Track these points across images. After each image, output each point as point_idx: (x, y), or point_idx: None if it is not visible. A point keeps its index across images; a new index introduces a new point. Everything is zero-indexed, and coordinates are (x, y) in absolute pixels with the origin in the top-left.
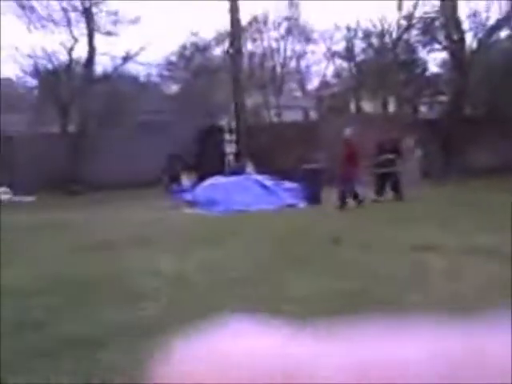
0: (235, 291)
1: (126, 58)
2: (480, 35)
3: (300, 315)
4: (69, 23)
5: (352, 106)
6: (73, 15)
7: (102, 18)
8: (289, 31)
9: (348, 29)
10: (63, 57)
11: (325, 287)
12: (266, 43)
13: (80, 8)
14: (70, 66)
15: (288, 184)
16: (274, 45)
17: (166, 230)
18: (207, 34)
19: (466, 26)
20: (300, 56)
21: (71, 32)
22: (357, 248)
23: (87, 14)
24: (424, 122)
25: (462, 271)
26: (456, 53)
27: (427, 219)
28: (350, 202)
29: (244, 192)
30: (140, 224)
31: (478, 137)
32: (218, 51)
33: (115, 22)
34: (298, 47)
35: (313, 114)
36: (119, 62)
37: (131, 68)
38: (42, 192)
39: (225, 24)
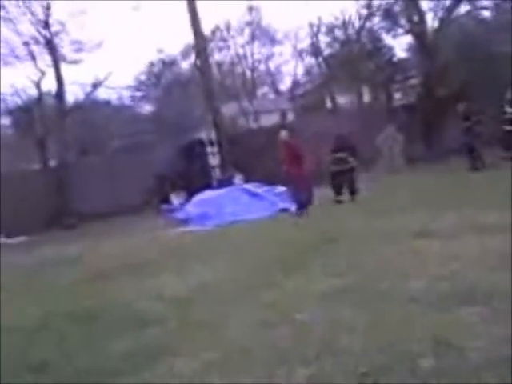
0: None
1: (96, 85)
2: (440, 14)
3: None
4: (33, 57)
5: (327, 102)
6: (35, 48)
7: (65, 48)
8: (253, 35)
9: (311, 25)
10: (32, 91)
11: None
12: (232, 50)
13: (42, 40)
14: (40, 99)
15: (278, 188)
16: (241, 51)
17: (161, 252)
18: (173, 49)
19: (425, 6)
20: (268, 58)
21: (36, 65)
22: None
23: (50, 45)
24: (400, 107)
25: None
26: (419, 34)
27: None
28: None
29: (234, 202)
30: (138, 249)
31: (454, 115)
32: (185, 65)
33: (79, 50)
34: (265, 50)
35: (290, 115)
36: (89, 89)
37: (102, 93)
38: (35, 230)
39: (189, 37)
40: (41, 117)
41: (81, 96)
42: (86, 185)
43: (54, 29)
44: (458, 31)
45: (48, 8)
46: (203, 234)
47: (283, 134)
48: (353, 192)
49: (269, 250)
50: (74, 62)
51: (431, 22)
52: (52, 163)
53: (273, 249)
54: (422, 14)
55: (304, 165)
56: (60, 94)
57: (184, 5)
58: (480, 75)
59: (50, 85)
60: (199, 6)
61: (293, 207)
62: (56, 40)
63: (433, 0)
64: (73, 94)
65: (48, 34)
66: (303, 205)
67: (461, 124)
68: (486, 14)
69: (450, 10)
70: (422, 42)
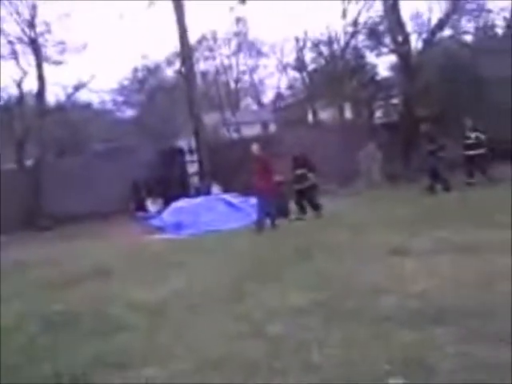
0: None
1: (78, 87)
2: (424, 36)
3: None
4: (16, 56)
5: (309, 116)
6: (19, 47)
7: (49, 48)
8: (239, 47)
9: (297, 40)
10: (13, 90)
11: None
12: (217, 60)
13: (26, 40)
14: (21, 99)
15: (255, 200)
16: (226, 61)
17: (133, 259)
18: (158, 55)
19: (409, 27)
20: (253, 70)
21: (19, 64)
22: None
23: (34, 45)
24: (380, 125)
25: None
26: (403, 55)
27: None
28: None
29: (211, 212)
30: (111, 255)
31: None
32: (170, 72)
33: (63, 51)
34: (250, 62)
35: (271, 127)
36: (71, 90)
37: (84, 96)
38: (8, 230)
39: (175, 44)
40: (20, 116)
41: (62, 97)
42: (62, 187)
43: (39, 29)
44: (441, 53)
45: (34, 8)
46: (177, 243)
47: (254, 147)
48: (315, 208)
49: (241, 261)
50: (58, 62)
51: (415, 42)
52: (29, 163)
53: (245, 260)
54: (406, 35)
55: (272, 179)
56: (41, 94)
57: (171, 12)
58: (461, 97)
59: (31, 85)
60: (187, 14)
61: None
62: (40, 40)
63: (417, 22)
64: (54, 95)
65: (33, 34)
66: (271, 218)
67: (424, 145)
68: (468, 38)
69: (433, 32)
70: (406, 62)
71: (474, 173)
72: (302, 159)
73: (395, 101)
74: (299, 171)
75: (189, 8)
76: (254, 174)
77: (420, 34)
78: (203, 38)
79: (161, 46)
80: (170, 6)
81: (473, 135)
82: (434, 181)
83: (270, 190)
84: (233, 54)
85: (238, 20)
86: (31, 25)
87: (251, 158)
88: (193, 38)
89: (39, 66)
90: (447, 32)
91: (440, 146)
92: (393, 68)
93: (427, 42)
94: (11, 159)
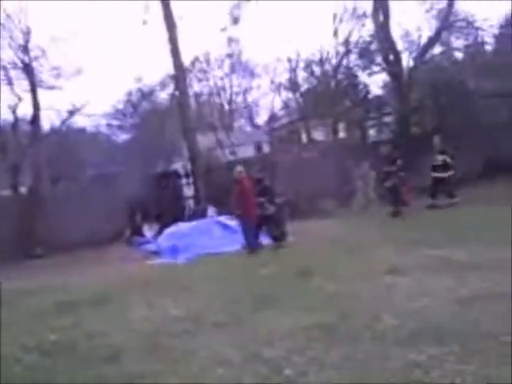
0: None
1: (72, 112)
2: (414, 54)
3: None
4: (10, 82)
5: (303, 136)
6: (13, 73)
7: (43, 73)
8: (232, 68)
9: (289, 60)
10: (8, 116)
11: None
12: (211, 82)
13: (20, 65)
14: (15, 124)
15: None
16: (220, 83)
17: (127, 286)
18: (152, 78)
19: (400, 46)
20: (246, 91)
21: (13, 90)
22: None
23: (28, 70)
24: (374, 144)
25: None
26: (394, 73)
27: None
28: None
29: (207, 235)
30: (105, 283)
31: (427, 153)
32: (163, 95)
33: (58, 76)
34: (244, 83)
35: (265, 148)
36: (65, 115)
37: (78, 121)
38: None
39: (168, 67)
40: (15, 142)
41: (57, 122)
42: (57, 214)
43: (33, 54)
44: (433, 71)
45: (28, 33)
46: (172, 268)
47: (237, 169)
48: (275, 239)
49: (237, 285)
50: (52, 87)
51: (406, 61)
52: (23, 190)
53: (241, 284)
54: (397, 54)
55: (252, 202)
56: (35, 119)
57: (164, 35)
58: (453, 115)
59: (26, 109)
60: (180, 35)
61: (265, 240)
62: (35, 65)
63: (407, 40)
64: (49, 120)
65: (27, 59)
66: (253, 242)
67: (384, 167)
68: (459, 55)
69: (424, 50)
70: (397, 80)
71: (437, 195)
72: (264, 186)
73: (388, 119)
74: (260, 199)
75: (181, 29)
76: (233, 197)
77: (411, 52)
78: (196, 60)
79: (154, 69)
80: (163, 28)
81: (440, 157)
82: (396, 203)
83: (249, 213)
84: (226, 76)
85: (231, 40)
86: (25, 49)
87: (234, 182)
88: (186, 60)
89: (34, 91)
90: (437, 49)
91: (400, 167)
92: (385, 86)
93: (418, 60)
94: (6, 186)
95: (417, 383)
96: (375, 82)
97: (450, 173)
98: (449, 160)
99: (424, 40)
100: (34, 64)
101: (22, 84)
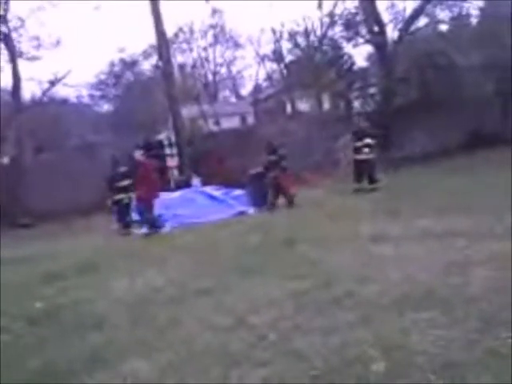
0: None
1: (54, 82)
2: (400, 26)
3: None
4: None
5: (288, 107)
6: None
7: (23, 44)
8: (216, 39)
9: (273, 31)
10: None
11: None
12: (195, 53)
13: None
14: None
15: (236, 191)
16: (203, 54)
17: (114, 254)
18: (135, 49)
19: (385, 18)
20: (230, 62)
21: None
22: None
23: (7, 41)
24: (358, 115)
25: None
26: (379, 45)
27: None
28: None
29: (191, 205)
30: (90, 251)
31: (412, 124)
32: (147, 65)
33: (38, 46)
34: (228, 54)
35: (250, 119)
36: (47, 86)
37: (60, 91)
38: None
39: (151, 38)
40: None
41: (38, 93)
42: (41, 183)
43: (12, 24)
44: (418, 42)
45: (6, 2)
46: (156, 237)
47: (137, 153)
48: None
49: (222, 252)
50: (33, 58)
51: (391, 33)
52: (5, 160)
53: (226, 251)
54: (382, 25)
55: (154, 185)
56: (16, 90)
57: (147, 5)
58: (438, 87)
59: (6, 81)
60: (163, 7)
61: (250, 210)
62: (14, 35)
63: (393, 12)
64: (30, 91)
65: (6, 29)
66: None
67: (264, 158)
68: (444, 27)
69: (409, 22)
70: (382, 51)
71: (362, 179)
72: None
73: (372, 91)
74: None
75: (164, 0)
76: (136, 181)
77: (396, 24)
78: (180, 31)
79: (137, 40)
80: None
81: (365, 140)
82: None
83: (149, 196)
84: (210, 46)
85: (215, 12)
86: (4, 19)
87: (135, 165)
88: (170, 31)
89: (14, 62)
90: (423, 21)
91: (282, 156)
92: (370, 58)
93: (403, 32)
94: None
95: (399, 347)
96: (360, 54)
97: (372, 155)
98: (370, 141)
99: (409, 12)
100: (14, 35)
101: (1, 54)
